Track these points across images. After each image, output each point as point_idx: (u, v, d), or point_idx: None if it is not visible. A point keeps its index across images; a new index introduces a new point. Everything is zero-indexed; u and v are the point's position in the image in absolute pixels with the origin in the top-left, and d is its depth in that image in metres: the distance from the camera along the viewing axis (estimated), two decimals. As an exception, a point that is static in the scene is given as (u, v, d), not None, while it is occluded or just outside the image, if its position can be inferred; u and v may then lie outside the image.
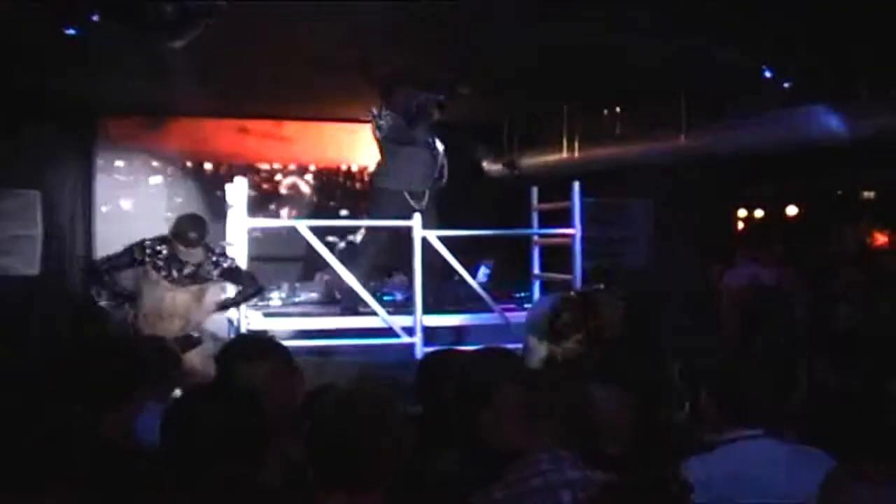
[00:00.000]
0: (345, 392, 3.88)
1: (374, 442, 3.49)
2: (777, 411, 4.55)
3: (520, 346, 8.26)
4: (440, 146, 10.86)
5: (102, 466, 3.58)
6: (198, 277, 9.13)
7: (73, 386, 4.48)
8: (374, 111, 10.79)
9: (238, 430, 3.45)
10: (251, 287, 9.50)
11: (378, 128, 10.78)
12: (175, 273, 9.03)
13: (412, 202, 10.58)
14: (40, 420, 3.32)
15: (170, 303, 9.01)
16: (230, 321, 9.99)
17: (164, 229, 9.36)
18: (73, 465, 3.34)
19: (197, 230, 9.06)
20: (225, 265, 9.26)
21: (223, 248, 9.81)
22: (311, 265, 12.45)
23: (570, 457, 4.03)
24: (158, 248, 9.05)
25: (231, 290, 9.70)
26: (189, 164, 15.07)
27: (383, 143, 10.86)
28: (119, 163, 14.73)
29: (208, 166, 15.15)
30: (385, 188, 10.84)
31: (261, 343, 4.98)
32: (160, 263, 9.02)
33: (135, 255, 9.04)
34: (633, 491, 3.43)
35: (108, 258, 9.24)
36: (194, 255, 9.05)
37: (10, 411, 3.42)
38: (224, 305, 9.58)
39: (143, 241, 9.16)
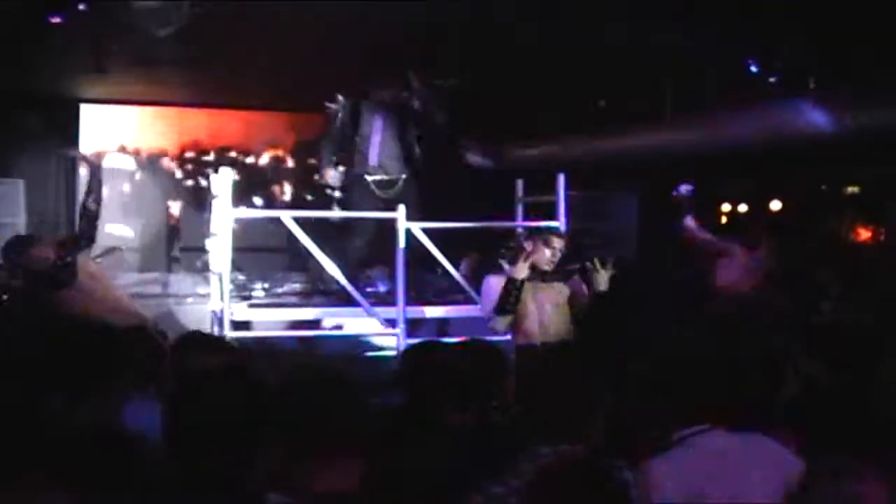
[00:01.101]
0: (310, 367, 3.89)
1: (339, 404, 3.53)
2: (755, 405, 4.56)
3: (502, 338, 8.33)
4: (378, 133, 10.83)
5: (83, 456, 3.57)
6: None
7: (52, 373, 4.45)
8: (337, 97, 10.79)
9: (228, 414, 3.41)
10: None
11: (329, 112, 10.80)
12: None
13: (378, 191, 10.62)
14: (18, 409, 3.32)
15: None
16: (214, 312, 9.98)
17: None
18: (51, 455, 3.34)
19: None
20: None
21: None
22: (294, 256, 12.44)
23: (569, 450, 4.04)
24: None
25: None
26: (173, 154, 15.05)
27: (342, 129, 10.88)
28: (101, 152, 14.72)
29: (190, 156, 15.13)
30: (354, 177, 10.86)
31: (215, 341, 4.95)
32: None
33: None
34: (568, 480, 3.44)
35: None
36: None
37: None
38: None
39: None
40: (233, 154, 15.24)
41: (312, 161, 15.30)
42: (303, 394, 3.59)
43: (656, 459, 4.18)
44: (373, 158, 10.71)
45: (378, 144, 10.72)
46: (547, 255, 8.53)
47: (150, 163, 15.02)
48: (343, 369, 3.87)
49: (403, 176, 10.78)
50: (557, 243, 8.57)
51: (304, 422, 3.47)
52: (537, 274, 8.44)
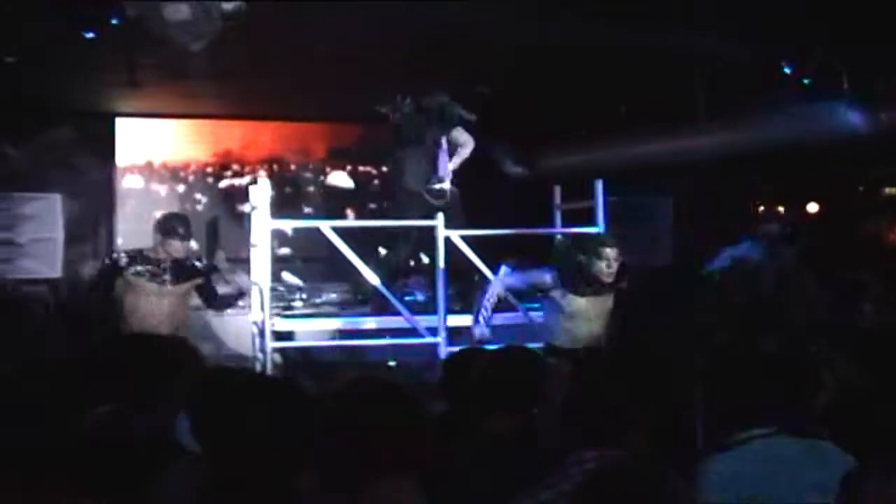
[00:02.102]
0: (379, 382, 3.85)
1: (412, 424, 3.49)
2: (794, 409, 4.53)
3: (541, 344, 8.35)
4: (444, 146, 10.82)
5: (137, 467, 3.59)
6: (181, 276, 9.29)
7: (107, 385, 4.46)
8: (398, 99, 10.77)
9: (287, 428, 3.40)
10: (214, 300, 9.75)
11: (393, 118, 10.79)
12: (159, 276, 9.20)
13: (431, 200, 10.58)
14: (74, 422, 3.34)
15: (155, 308, 9.16)
16: (255, 323, 10.00)
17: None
18: (106, 467, 3.36)
19: (185, 225, 9.35)
20: (203, 263, 9.55)
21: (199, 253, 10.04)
22: (333, 266, 12.45)
23: (615, 455, 4.04)
24: (133, 255, 9.26)
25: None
26: (210, 166, 15.08)
27: (396, 138, 10.88)
28: (139, 165, 14.79)
29: (226, 167, 15.16)
30: (402, 186, 10.84)
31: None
32: (140, 270, 9.17)
33: (111, 267, 9.29)
34: (617, 484, 3.42)
35: (90, 283, 9.50)
36: (176, 251, 9.23)
37: (43, 413, 3.43)
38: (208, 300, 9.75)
39: (111, 254, 9.48)
40: (271, 165, 15.23)
41: (349, 169, 15.39)
42: (367, 407, 3.56)
43: (712, 460, 4.18)
44: (443, 168, 10.69)
45: (445, 154, 10.71)
46: (603, 269, 8.51)
47: (186, 175, 15.03)
48: (402, 381, 3.84)
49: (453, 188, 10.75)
50: (611, 253, 8.55)
51: (366, 436, 3.45)
52: (596, 287, 8.47)
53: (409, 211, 10.61)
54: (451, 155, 10.77)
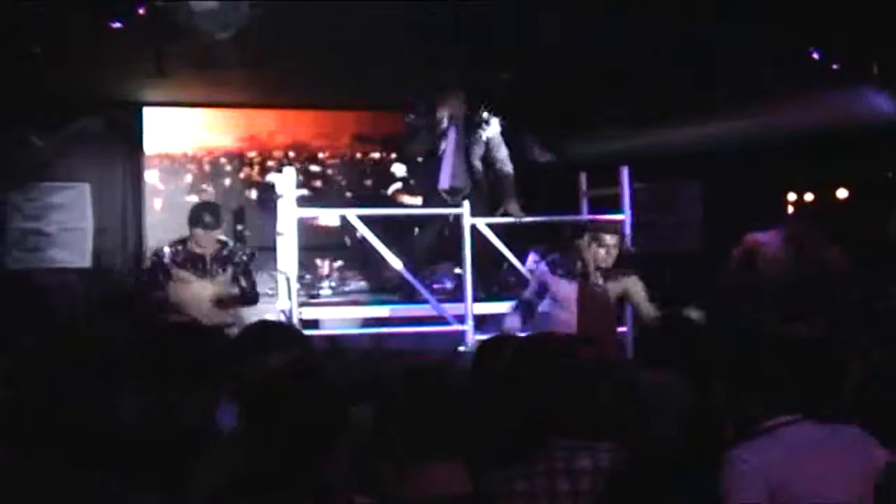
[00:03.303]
0: (433, 367, 3.86)
1: (463, 411, 3.49)
2: (818, 395, 4.52)
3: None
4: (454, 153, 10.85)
5: (179, 453, 3.61)
6: (220, 264, 9.61)
7: (153, 371, 4.49)
8: (419, 107, 10.83)
9: (310, 416, 3.41)
10: (251, 293, 9.88)
11: (409, 121, 10.89)
12: (199, 265, 9.52)
13: (447, 198, 10.64)
14: (121, 406, 3.36)
15: (198, 296, 9.43)
16: (282, 311, 10.03)
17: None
18: (148, 452, 3.38)
19: (214, 214, 9.63)
20: (238, 258, 9.75)
21: (232, 243, 10.12)
22: (360, 254, 12.47)
23: (588, 446, 4.07)
24: (175, 248, 9.58)
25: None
26: (237, 155, 15.10)
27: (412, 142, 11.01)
28: (167, 154, 14.82)
29: (254, 156, 15.18)
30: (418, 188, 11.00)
31: (281, 332, 4.91)
32: (179, 260, 9.51)
33: (158, 264, 9.62)
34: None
35: (143, 284, 9.98)
36: (209, 242, 9.55)
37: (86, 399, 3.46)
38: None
39: (156, 251, 9.83)
40: (298, 153, 15.24)
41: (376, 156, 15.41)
42: (415, 394, 3.55)
43: (741, 448, 4.17)
44: (444, 181, 10.73)
45: (451, 166, 10.73)
46: (601, 255, 8.51)
47: (213, 164, 15.06)
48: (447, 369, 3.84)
49: (468, 188, 10.77)
50: (610, 240, 8.54)
51: (417, 423, 3.45)
52: (589, 273, 8.47)
53: (431, 203, 10.73)
54: (469, 154, 10.81)
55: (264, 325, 5.38)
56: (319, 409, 3.40)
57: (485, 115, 10.75)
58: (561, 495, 4.00)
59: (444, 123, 10.66)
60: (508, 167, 10.86)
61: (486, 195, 10.75)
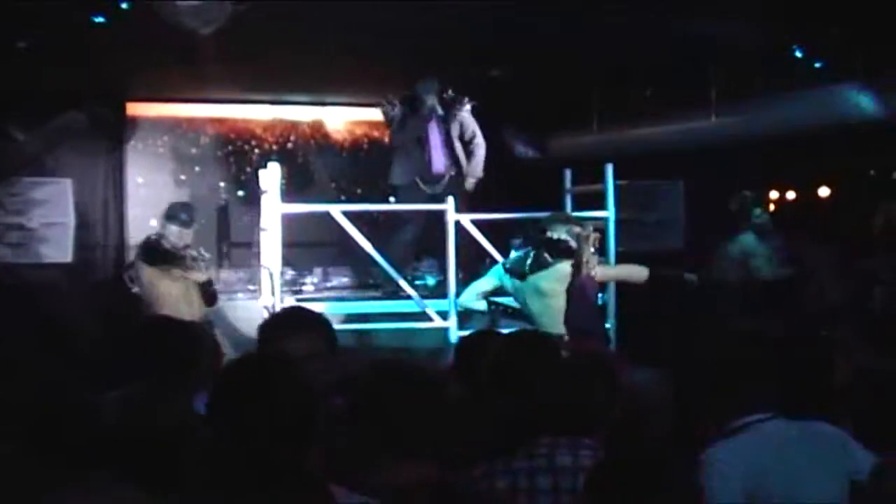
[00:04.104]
0: (409, 367, 3.86)
1: (441, 414, 3.51)
2: (790, 392, 4.53)
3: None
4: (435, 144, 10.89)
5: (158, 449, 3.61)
6: (190, 261, 9.91)
7: (133, 367, 4.48)
8: (389, 98, 10.86)
9: (287, 409, 3.41)
10: (212, 290, 10.27)
11: (385, 114, 10.91)
12: (171, 262, 9.80)
13: (424, 187, 10.68)
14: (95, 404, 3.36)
15: (171, 294, 9.67)
16: (266, 308, 10.04)
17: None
18: (127, 448, 3.38)
19: (189, 213, 10.06)
20: (199, 256, 10.10)
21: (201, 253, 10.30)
22: (343, 249, 12.46)
23: (570, 443, 4.08)
24: (153, 243, 9.93)
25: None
26: (220, 150, 15.06)
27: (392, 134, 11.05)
28: (148, 149, 14.79)
29: (240, 152, 15.14)
30: (392, 183, 11.02)
31: (305, 316, 4.90)
32: (156, 257, 9.82)
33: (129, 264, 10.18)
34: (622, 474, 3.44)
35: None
36: (183, 240, 9.92)
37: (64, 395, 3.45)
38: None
39: (144, 241, 10.17)
40: (281, 148, 15.21)
41: (361, 154, 15.38)
42: (381, 391, 3.56)
43: (717, 446, 4.18)
44: (438, 166, 10.79)
45: (439, 149, 10.79)
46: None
47: (196, 159, 15.02)
48: (421, 364, 3.86)
49: (451, 173, 10.83)
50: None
51: (383, 418, 3.46)
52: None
53: (412, 200, 10.74)
54: (450, 146, 10.87)
55: (289, 311, 5.43)
56: (291, 403, 3.40)
57: (454, 93, 10.84)
58: (541, 493, 4.01)
59: (427, 111, 10.72)
60: (480, 138, 11.10)
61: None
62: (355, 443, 3.44)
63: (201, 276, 9.93)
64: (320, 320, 4.65)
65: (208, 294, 9.99)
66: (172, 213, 9.89)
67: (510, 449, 4.15)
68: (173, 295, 9.59)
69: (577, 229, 8.21)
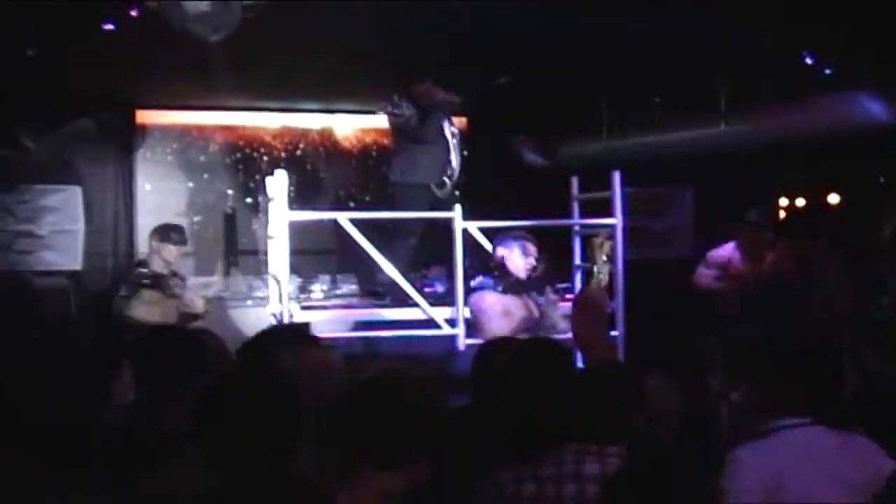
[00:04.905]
0: (391, 378, 3.88)
1: (423, 422, 3.52)
2: (825, 400, 4.51)
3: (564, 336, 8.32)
4: (452, 139, 10.86)
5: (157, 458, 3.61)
6: (179, 280, 10.28)
7: (137, 373, 4.50)
8: (395, 99, 10.80)
9: (271, 418, 3.43)
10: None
11: (393, 116, 10.84)
12: (163, 282, 10.04)
13: (436, 191, 10.65)
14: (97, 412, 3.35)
15: (165, 314, 9.87)
16: (274, 315, 10.03)
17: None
18: (127, 457, 3.38)
19: (181, 233, 10.46)
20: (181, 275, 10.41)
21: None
22: (351, 257, 12.45)
23: (598, 451, 4.08)
24: (138, 269, 10.19)
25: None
26: (228, 157, 15.06)
27: (397, 135, 10.97)
28: (157, 157, 14.80)
29: (248, 159, 15.13)
30: (404, 181, 10.90)
31: (299, 332, 4.95)
32: (143, 281, 9.97)
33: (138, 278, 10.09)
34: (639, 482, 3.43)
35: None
36: (176, 259, 10.33)
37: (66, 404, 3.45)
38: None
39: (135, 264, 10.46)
40: (290, 155, 15.19)
41: (370, 161, 15.36)
42: (371, 400, 3.59)
43: (743, 448, 4.18)
44: (455, 161, 10.78)
45: (455, 150, 10.77)
46: (520, 265, 8.60)
47: (205, 166, 15.02)
48: (411, 374, 3.89)
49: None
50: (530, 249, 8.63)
51: (371, 427, 3.48)
52: (511, 283, 8.50)
53: (416, 205, 10.68)
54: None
55: (276, 327, 5.48)
56: (274, 411, 3.43)
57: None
58: (567, 499, 4.01)
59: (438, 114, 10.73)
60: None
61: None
62: (335, 454, 3.47)
63: (199, 306, 10.18)
64: (307, 336, 4.73)
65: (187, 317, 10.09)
66: (165, 233, 10.25)
67: (531, 456, 4.15)
68: (165, 316, 9.71)
69: (594, 238, 8.26)
